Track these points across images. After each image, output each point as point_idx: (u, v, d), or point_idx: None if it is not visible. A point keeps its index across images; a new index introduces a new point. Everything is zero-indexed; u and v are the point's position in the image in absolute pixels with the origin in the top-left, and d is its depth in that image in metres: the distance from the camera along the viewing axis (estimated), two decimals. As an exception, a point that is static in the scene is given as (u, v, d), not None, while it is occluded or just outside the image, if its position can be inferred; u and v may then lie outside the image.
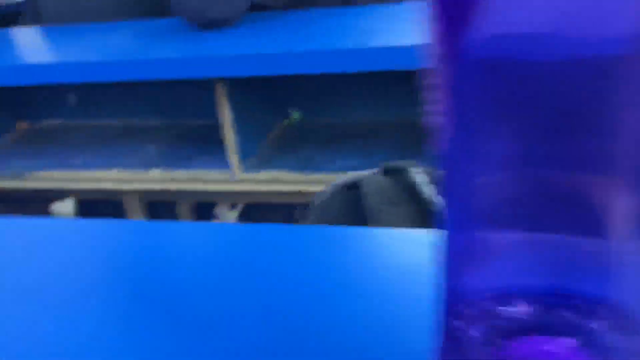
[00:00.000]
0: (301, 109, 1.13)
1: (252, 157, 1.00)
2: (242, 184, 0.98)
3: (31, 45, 1.17)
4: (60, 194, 1.22)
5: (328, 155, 0.99)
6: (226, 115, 0.93)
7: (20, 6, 1.41)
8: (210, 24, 0.99)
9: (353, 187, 0.46)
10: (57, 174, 1.05)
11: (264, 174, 0.96)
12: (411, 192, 0.44)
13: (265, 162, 0.99)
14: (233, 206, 1.59)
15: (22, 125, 1.27)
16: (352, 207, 0.45)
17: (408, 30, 0.88)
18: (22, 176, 1.07)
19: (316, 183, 0.95)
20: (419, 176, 0.44)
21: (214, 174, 0.99)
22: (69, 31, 1.17)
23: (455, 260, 0.15)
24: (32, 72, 0.99)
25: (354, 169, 0.93)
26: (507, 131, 0.13)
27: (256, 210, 1.43)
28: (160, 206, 1.35)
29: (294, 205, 1.52)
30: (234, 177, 0.98)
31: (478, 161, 0.13)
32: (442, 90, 0.14)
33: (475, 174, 0.14)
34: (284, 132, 1.10)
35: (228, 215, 1.59)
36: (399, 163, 0.45)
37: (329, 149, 1.01)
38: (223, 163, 0.99)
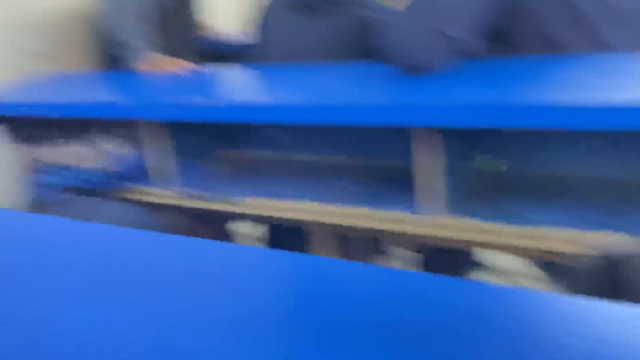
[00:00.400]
0: (499, 156, 1.11)
1: (449, 202, 1.01)
2: (436, 228, 0.99)
3: (248, 83, 1.31)
4: (258, 219, 1.33)
5: (532, 208, 0.96)
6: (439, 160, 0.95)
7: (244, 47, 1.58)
8: (416, 69, 1.02)
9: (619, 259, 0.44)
10: (264, 201, 1.15)
11: (446, 219, 0.96)
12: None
13: (456, 207, 0.99)
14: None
15: (233, 154, 1.40)
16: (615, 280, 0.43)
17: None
18: (234, 202, 1.19)
19: (519, 237, 0.92)
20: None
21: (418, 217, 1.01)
22: (284, 71, 1.29)
23: None
24: (247, 111, 1.10)
25: (560, 224, 0.89)
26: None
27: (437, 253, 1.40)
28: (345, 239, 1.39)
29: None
30: (437, 220, 0.98)
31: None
32: None
33: None
34: (478, 180, 1.09)
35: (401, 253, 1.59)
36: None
37: (534, 203, 0.98)
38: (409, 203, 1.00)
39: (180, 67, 1.45)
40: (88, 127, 1.34)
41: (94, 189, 1.28)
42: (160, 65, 1.45)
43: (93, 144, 1.27)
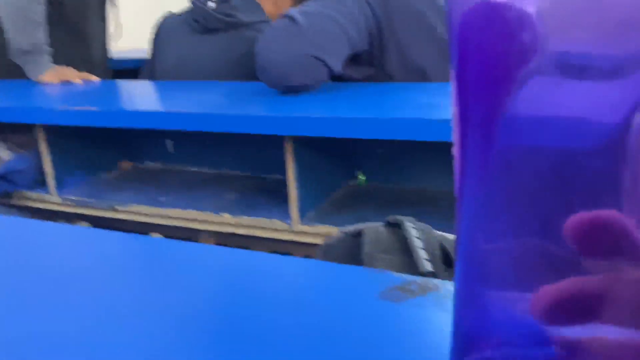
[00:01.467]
0: (367, 172, 1.20)
1: (312, 211, 1.07)
2: (299, 235, 1.05)
3: (141, 95, 1.36)
4: (146, 227, 1.36)
5: (383, 219, 1.03)
6: (290, 169, 1.02)
7: (140, 62, 1.63)
8: (290, 90, 1.10)
9: (357, 235, 0.51)
10: (145, 208, 1.19)
11: (319, 228, 1.03)
12: (403, 243, 0.48)
13: (323, 218, 1.05)
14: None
15: (125, 164, 1.44)
16: (353, 252, 0.50)
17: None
18: (114, 209, 1.22)
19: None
20: (413, 230, 0.48)
21: (275, 222, 1.07)
22: (175, 86, 1.34)
23: (462, 309, 0.17)
24: (138, 118, 1.15)
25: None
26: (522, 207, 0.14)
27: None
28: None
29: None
30: (292, 227, 1.05)
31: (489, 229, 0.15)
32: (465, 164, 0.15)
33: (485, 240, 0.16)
34: (347, 193, 1.17)
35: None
36: (399, 218, 0.50)
37: (386, 214, 1.06)
38: (286, 214, 1.07)
39: (81, 78, 1.48)
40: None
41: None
42: (63, 76, 1.48)
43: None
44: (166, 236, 1.37)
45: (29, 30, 1.46)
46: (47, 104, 1.25)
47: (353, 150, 1.18)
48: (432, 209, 1.06)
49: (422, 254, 0.45)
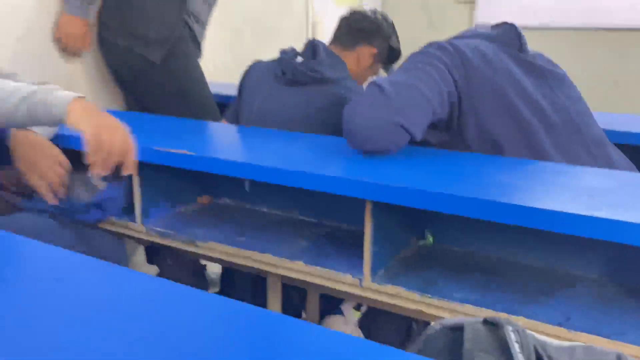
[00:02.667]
0: (436, 232, 1.25)
1: (382, 269, 1.13)
2: (368, 291, 1.11)
3: (229, 141, 1.46)
4: (220, 262, 1.45)
5: (451, 284, 1.08)
6: (368, 230, 1.09)
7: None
8: (371, 152, 1.17)
9: (456, 329, 0.57)
10: (224, 247, 1.27)
11: (389, 288, 1.08)
12: (503, 345, 0.54)
13: (392, 277, 1.11)
14: (359, 305, 1.72)
15: (204, 199, 1.54)
16: (453, 347, 0.55)
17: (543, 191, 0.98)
18: (195, 244, 1.31)
19: (435, 307, 1.04)
20: (512, 334, 0.54)
21: (346, 276, 1.13)
22: (260, 133, 1.44)
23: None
24: (225, 165, 1.23)
25: (473, 302, 1.02)
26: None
27: (379, 313, 1.53)
28: (292, 289, 1.53)
29: (413, 318, 1.60)
30: (362, 284, 1.11)
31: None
32: None
33: None
34: (415, 252, 1.22)
35: (352, 313, 1.72)
36: (497, 318, 0.56)
37: (453, 277, 1.11)
38: (357, 270, 1.13)
39: None
40: (78, 158, 1.47)
41: (78, 218, 1.39)
42: None
43: (82, 175, 1.39)
44: (236, 268, 1.45)
45: None
46: (144, 142, 1.36)
47: (424, 210, 1.24)
48: (499, 277, 1.10)
49: (521, 358, 0.51)
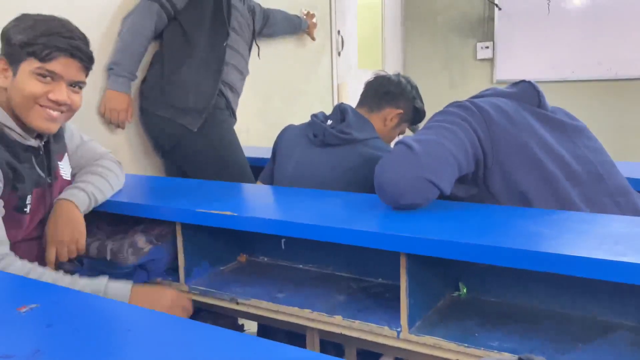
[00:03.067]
0: (469, 284, 1.28)
1: (419, 321, 1.17)
2: (407, 343, 1.15)
3: (266, 200, 1.54)
4: (259, 319, 1.49)
5: (488, 333, 1.11)
6: (404, 282, 1.13)
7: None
8: (402, 207, 1.23)
9: (494, 368, 0.61)
10: (264, 303, 1.32)
11: (427, 339, 1.12)
12: (537, 383, 0.58)
13: (430, 328, 1.14)
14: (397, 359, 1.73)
15: (242, 258, 1.61)
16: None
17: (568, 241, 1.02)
18: (237, 301, 1.37)
19: (473, 356, 1.07)
20: (546, 371, 0.58)
21: (384, 329, 1.17)
22: (296, 193, 1.52)
23: None
24: (265, 224, 1.30)
25: (510, 350, 1.04)
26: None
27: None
28: (330, 346, 1.55)
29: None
30: (400, 335, 1.14)
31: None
32: None
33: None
34: (450, 304, 1.25)
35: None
36: (531, 356, 0.60)
37: (489, 327, 1.13)
38: (394, 322, 1.17)
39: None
40: (120, 222, 1.56)
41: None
42: (114, 108, 2.04)
43: (128, 239, 1.48)
44: (274, 325, 1.49)
45: (118, 53, 1.94)
46: (185, 205, 1.45)
47: (457, 262, 1.28)
48: (535, 326, 1.13)
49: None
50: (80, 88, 1.34)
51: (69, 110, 1.33)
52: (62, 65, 1.26)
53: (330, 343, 1.49)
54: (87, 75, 1.33)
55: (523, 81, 1.39)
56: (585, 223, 1.12)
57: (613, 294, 1.12)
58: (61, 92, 1.27)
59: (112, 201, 1.50)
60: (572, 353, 1.03)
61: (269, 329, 1.80)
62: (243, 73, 2.20)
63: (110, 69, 1.98)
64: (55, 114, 1.30)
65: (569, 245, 1.00)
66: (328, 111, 1.69)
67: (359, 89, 1.77)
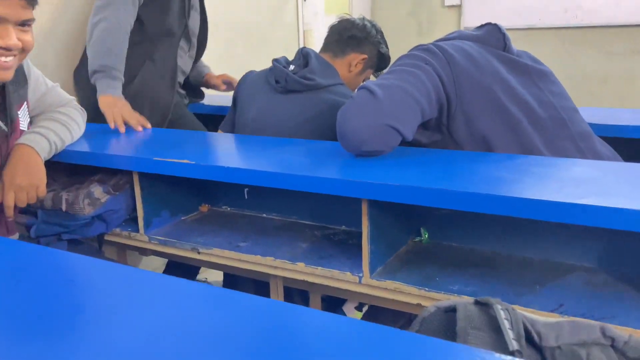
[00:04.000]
0: (430, 230, 1.29)
1: (381, 266, 1.17)
2: (368, 288, 1.15)
3: (226, 149, 1.50)
4: (222, 268, 1.48)
5: (449, 277, 1.12)
6: (365, 228, 1.12)
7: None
8: (365, 154, 1.21)
9: (450, 310, 0.61)
10: (226, 252, 1.31)
11: (388, 283, 1.12)
12: (494, 323, 0.57)
13: (391, 274, 1.15)
14: (361, 306, 1.75)
15: (204, 208, 1.58)
16: (447, 326, 0.59)
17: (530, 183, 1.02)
18: (198, 251, 1.35)
19: (434, 300, 1.08)
20: (502, 312, 0.57)
21: (346, 274, 1.17)
22: (256, 141, 1.48)
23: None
24: (225, 173, 1.27)
25: (470, 294, 1.06)
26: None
27: (379, 313, 1.57)
28: (295, 293, 1.56)
29: (414, 314, 1.63)
30: (362, 281, 1.15)
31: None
32: None
33: None
34: (412, 249, 1.26)
35: (354, 313, 1.75)
36: (488, 299, 0.59)
37: (449, 272, 1.14)
38: (357, 267, 1.17)
39: (139, 123, 1.66)
40: (79, 172, 1.51)
41: (83, 234, 1.42)
42: (119, 114, 1.65)
43: (84, 189, 1.42)
44: (238, 274, 1.48)
45: (102, 55, 1.68)
46: (144, 153, 1.40)
47: (419, 209, 1.28)
48: (494, 270, 1.14)
49: (511, 334, 0.54)
50: (30, 26, 1.25)
51: (22, 52, 1.24)
52: (3, 6, 1.17)
53: (296, 290, 1.49)
54: (33, 9, 1.24)
55: (488, 24, 1.36)
56: (546, 167, 1.12)
57: (570, 238, 1.14)
58: (9, 36, 1.18)
59: (68, 150, 1.44)
60: (530, 295, 1.04)
61: (234, 280, 1.80)
62: (192, 56, 2.06)
63: (101, 72, 1.70)
64: (7, 60, 1.21)
65: (531, 189, 1.00)
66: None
67: (326, 36, 1.71)
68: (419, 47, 1.29)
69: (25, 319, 0.61)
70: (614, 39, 3.82)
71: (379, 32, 1.69)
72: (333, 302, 1.70)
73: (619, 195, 0.94)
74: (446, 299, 1.06)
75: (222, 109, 2.09)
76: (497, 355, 0.41)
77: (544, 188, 1.00)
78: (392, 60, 1.38)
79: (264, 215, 1.52)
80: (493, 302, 0.58)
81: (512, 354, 0.53)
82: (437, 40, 1.35)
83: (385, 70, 1.60)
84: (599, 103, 3.74)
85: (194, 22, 2.00)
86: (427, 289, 1.08)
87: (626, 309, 0.96)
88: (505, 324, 0.55)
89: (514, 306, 0.60)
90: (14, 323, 0.61)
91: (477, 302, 0.60)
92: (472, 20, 4.25)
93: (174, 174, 1.33)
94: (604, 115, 1.69)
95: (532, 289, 1.06)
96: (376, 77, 1.77)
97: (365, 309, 1.74)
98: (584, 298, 1.02)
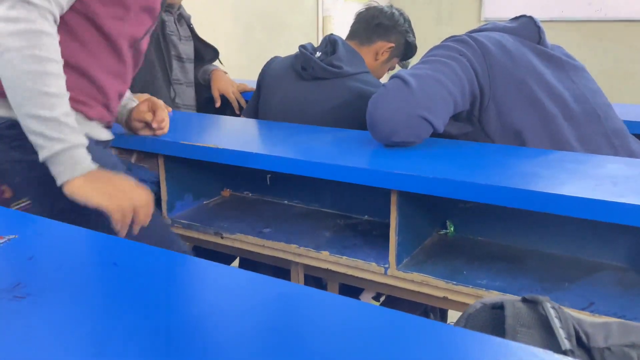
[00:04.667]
0: (456, 223, 1.27)
1: (407, 258, 1.16)
2: (394, 279, 1.14)
3: (252, 134, 1.49)
4: (242, 253, 1.47)
5: (476, 271, 1.11)
6: (394, 219, 1.11)
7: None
8: (394, 145, 1.20)
9: (496, 307, 0.60)
10: (250, 238, 1.30)
11: (414, 275, 1.11)
12: (543, 321, 0.56)
13: (418, 266, 1.14)
14: (378, 296, 1.75)
15: (226, 192, 1.57)
16: (494, 323, 0.58)
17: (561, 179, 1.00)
18: (222, 235, 1.34)
19: (460, 294, 1.07)
20: (552, 310, 0.56)
21: (371, 265, 1.16)
22: (282, 127, 1.47)
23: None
24: (251, 158, 1.26)
25: (498, 289, 1.05)
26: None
27: (396, 303, 1.56)
28: (313, 281, 1.55)
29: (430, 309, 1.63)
30: (388, 272, 1.14)
31: None
32: None
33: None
34: (437, 242, 1.25)
35: (371, 303, 1.74)
36: (537, 296, 0.59)
37: (477, 265, 1.13)
38: (382, 258, 1.16)
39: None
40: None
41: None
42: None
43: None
44: (258, 260, 1.48)
45: None
46: (169, 137, 1.39)
47: (446, 201, 1.27)
48: (522, 265, 1.13)
49: (562, 333, 0.53)
50: None
51: None
52: None
53: (311, 278, 1.49)
54: None
55: (523, 16, 1.34)
56: (582, 164, 1.11)
57: (598, 236, 1.13)
58: None
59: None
60: (559, 292, 1.03)
61: (252, 266, 1.79)
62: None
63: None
64: None
65: (566, 185, 0.98)
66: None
67: (345, 22, 1.69)
68: (453, 38, 1.27)
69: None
70: (637, 33, 3.77)
71: (407, 20, 1.66)
72: (350, 291, 1.69)
73: (657, 195, 0.92)
74: (474, 293, 1.06)
75: (244, 95, 2.07)
76: (556, 355, 0.41)
77: (580, 185, 0.98)
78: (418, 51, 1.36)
79: (286, 202, 1.51)
80: (542, 300, 0.57)
81: (564, 353, 0.52)
82: (471, 31, 1.33)
83: (412, 62, 1.58)
84: (623, 99, 3.69)
85: (187, 49, 1.89)
86: (454, 282, 1.07)
87: (659, 309, 0.95)
88: (556, 323, 0.54)
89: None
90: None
91: (524, 300, 0.59)
92: (492, 11, 4.20)
93: (199, 157, 1.32)
94: (637, 112, 1.66)
95: (561, 286, 1.05)
96: (402, 66, 1.75)
97: (382, 298, 1.73)
98: (615, 297, 1.01)
